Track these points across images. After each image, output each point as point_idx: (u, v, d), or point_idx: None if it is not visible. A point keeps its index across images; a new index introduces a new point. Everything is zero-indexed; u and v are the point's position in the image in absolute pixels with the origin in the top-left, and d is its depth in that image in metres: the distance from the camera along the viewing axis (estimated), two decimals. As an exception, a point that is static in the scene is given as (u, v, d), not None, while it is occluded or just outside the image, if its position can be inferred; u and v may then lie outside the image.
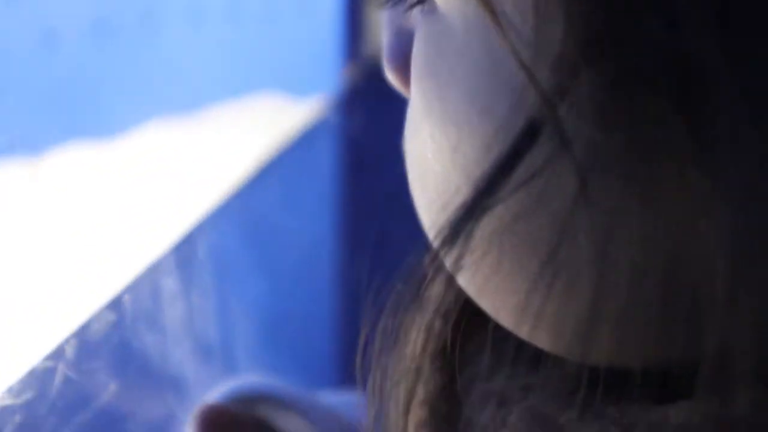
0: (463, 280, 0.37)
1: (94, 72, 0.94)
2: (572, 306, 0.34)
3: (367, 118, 1.16)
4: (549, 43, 0.32)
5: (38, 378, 0.62)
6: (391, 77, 0.43)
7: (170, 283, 0.78)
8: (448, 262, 0.36)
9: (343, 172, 1.23)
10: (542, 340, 0.36)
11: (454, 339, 0.40)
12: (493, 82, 0.35)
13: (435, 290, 0.40)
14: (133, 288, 0.74)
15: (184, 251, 0.82)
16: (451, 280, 0.39)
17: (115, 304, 0.71)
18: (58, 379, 0.62)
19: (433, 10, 0.37)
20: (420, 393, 0.41)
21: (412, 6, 0.38)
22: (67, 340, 0.65)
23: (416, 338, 0.40)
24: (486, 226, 0.35)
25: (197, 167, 0.99)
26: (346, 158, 1.24)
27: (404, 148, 0.40)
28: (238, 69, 1.13)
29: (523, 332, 0.36)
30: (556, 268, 0.34)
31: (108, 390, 0.67)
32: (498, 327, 0.38)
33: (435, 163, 0.37)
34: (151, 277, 0.76)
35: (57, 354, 0.63)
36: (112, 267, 0.78)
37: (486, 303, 0.37)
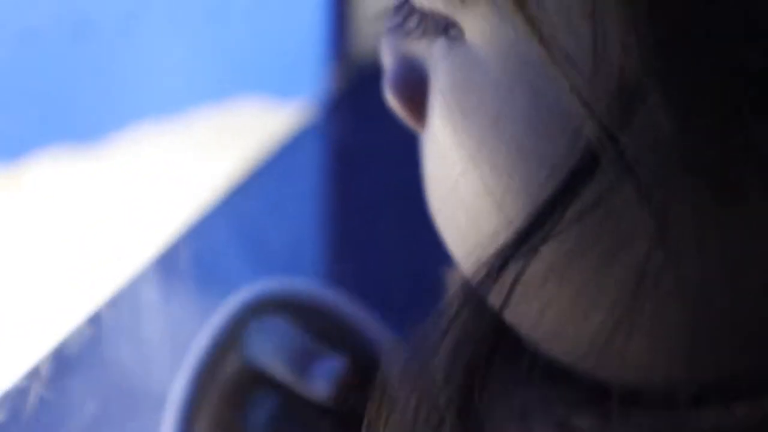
0: (509, 312, 0.36)
1: (74, 75, 0.92)
2: (660, 337, 0.33)
3: (355, 120, 1.14)
4: (607, 74, 0.31)
5: (13, 398, 0.59)
6: (396, 106, 0.41)
7: (152, 296, 0.76)
8: (493, 295, 0.35)
9: (330, 176, 1.21)
10: (609, 370, 0.35)
11: (478, 363, 0.38)
12: (540, 117, 0.33)
13: (462, 318, 0.39)
14: (114, 302, 0.71)
15: (166, 262, 0.80)
16: (480, 309, 0.37)
17: (95, 320, 0.69)
18: (32, 399, 0.60)
19: (460, 40, 0.35)
20: (442, 412, 0.39)
21: (435, 34, 0.37)
22: (43, 359, 0.63)
23: (439, 362, 0.39)
24: (541, 262, 0.33)
25: (180, 173, 0.97)
26: (333, 162, 1.22)
27: (426, 175, 0.39)
28: (221, 71, 1.12)
29: (587, 363, 0.35)
30: (636, 303, 0.33)
31: (86, 410, 0.65)
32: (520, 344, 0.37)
33: (471, 199, 0.36)
34: (132, 290, 0.74)
35: (32, 374, 0.61)
36: (91, 280, 0.76)
37: (535, 333, 0.36)
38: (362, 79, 1.14)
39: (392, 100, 0.41)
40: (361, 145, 1.04)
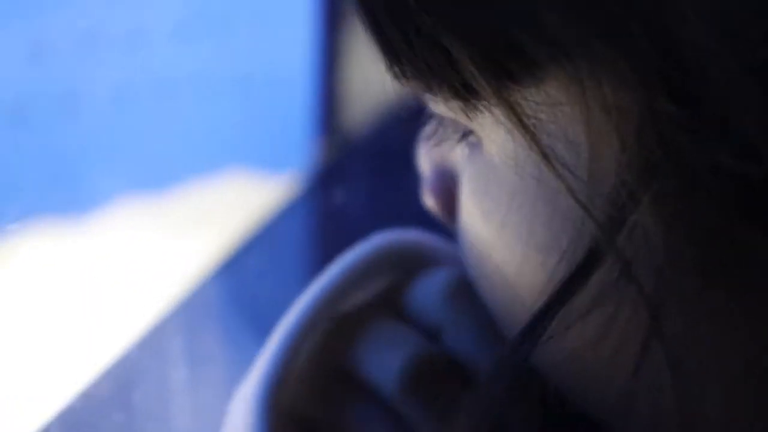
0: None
1: (61, 147, 0.93)
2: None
3: (341, 193, 1.15)
4: (603, 175, 0.33)
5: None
6: (434, 209, 0.44)
7: (146, 370, 0.76)
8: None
9: (317, 248, 1.21)
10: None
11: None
12: (549, 217, 0.36)
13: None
14: (107, 376, 0.71)
15: (158, 337, 0.80)
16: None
17: (87, 394, 0.69)
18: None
19: (478, 147, 0.38)
20: None
21: (458, 140, 0.39)
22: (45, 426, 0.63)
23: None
24: (563, 342, 0.36)
25: (167, 247, 0.97)
26: (320, 234, 1.22)
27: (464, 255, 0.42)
28: (209, 145, 1.13)
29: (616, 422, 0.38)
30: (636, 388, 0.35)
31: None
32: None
33: (497, 280, 0.39)
34: (124, 362, 0.74)
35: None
36: (83, 354, 0.76)
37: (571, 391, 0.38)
38: (349, 152, 1.15)
39: (429, 204, 0.45)
40: (348, 217, 1.05)
